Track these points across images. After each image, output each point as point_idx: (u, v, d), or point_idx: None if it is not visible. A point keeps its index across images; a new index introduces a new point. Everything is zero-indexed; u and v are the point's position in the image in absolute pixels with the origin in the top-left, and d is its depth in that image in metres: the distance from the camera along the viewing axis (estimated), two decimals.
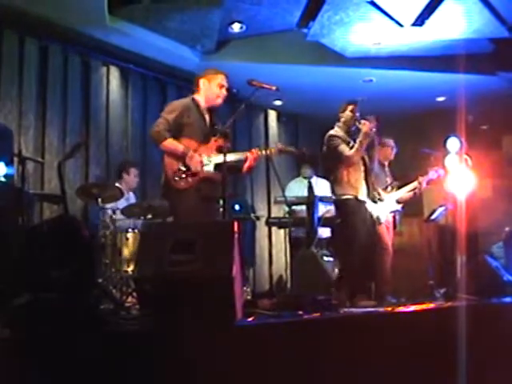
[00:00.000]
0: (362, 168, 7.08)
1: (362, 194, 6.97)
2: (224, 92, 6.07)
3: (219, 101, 6.08)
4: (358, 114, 7.12)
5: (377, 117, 7.28)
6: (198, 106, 6.01)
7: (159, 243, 3.93)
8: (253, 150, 6.00)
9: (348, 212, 6.94)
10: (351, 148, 6.96)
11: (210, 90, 6.04)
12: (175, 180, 5.70)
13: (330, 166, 7.18)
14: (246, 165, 5.94)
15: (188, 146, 5.76)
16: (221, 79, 6.05)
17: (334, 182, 7.08)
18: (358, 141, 6.94)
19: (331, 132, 7.18)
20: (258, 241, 10.71)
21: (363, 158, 7.10)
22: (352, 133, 7.13)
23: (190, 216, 5.60)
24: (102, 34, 8.31)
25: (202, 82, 6.06)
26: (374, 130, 6.99)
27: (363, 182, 7.04)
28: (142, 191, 8.99)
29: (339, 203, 7.06)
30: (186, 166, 5.72)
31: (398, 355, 4.37)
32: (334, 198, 7.13)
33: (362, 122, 6.98)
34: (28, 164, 6.72)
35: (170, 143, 5.75)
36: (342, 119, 7.22)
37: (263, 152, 6.13)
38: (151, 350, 3.09)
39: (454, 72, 9.25)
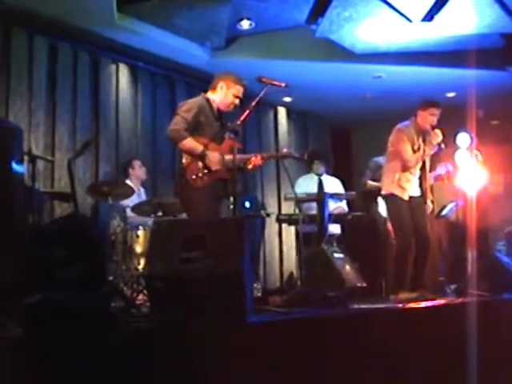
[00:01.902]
0: (419, 173, 6.92)
1: (409, 195, 6.80)
2: (237, 103, 6.06)
3: (229, 109, 6.08)
4: (435, 120, 6.87)
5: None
6: (211, 105, 6.00)
7: (170, 241, 3.94)
8: (257, 156, 6.01)
9: (395, 206, 6.83)
10: (414, 152, 6.79)
11: (225, 96, 6.01)
12: (193, 179, 5.69)
13: (388, 157, 7.03)
14: (249, 167, 5.95)
15: (205, 145, 5.76)
16: (238, 91, 6.02)
17: (385, 175, 6.99)
18: (422, 149, 6.78)
19: (401, 126, 6.94)
20: (269, 238, 10.71)
21: (424, 164, 6.93)
22: (422, 134, 6.89)
23: (205, 214, 5.60)
24: (111, 32, 8.31)
25: (220, 86, 6.02)
26: (443, 145, 6.82)
27: (415, 186, 6.89)
28: (153, 188, 8.99)
29: (386, 198, 6.95)
30: (203, 164, 5.72)
31: (409, 352, 4.37)
32: (382, 192, 7.03)
33: (436, 131, 6.77)
34: (38, 162, 6.76)
35: (190, 142, 5.72)
36: (419, 117, 6.92)
37: (267, 155, 6.22)
38: (162, 348, 3.09)
39: (463, 67, 9.21)
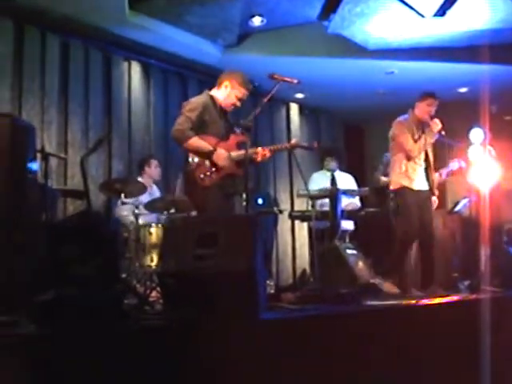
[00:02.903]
0: (423, 163, 7.09)
1: (417, 187, 6.99)
2: (238, 104, 6.07)
3: (229, 109, 6.10)
4: (433, 109, 7.10)
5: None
6: (215, 103, 6.01)
7: (183, 238, 3.94)
8: (265, 148, 6.01)
9: (403, 201, 6.99)
10: (415, 141, 6.99)
11: (228, 96, 6.03)
12: (201, 178, 5.70)
13: (392, 151, 7.21)
14: (258, 159, 5.94)
15: (211, 143, 5.77)
16: (242, 93, 6.04)
17: (392, 170, 7.16)
18: (423, 138, 6.98)
19: (400, 119, 7.18)
20: (281, 234, 10.71)
21: (426, 152, 7.11)
22: (421, 125, 7.11)
23: (216, 212, 5.60)
24: (123, 30, 8.33)
25: (225, 85, 6.03)
26: (443, 132, 7.01)
27: (422, 176, 7.06)
28: (165, 185, 9.00)
29: (395, 192, 7.09)
30: (211, 163, 5.73)
31: (423, 348, 4.36)
32: (391, 188, 7.18)
33: (435, 120, 6.99)
34: (51, 160, 6.77)
35: (195, 141, 5.74)
36: (417, 108, 7.16)
37: (275, 147, 6.22)
38: (174, 345, 3.09)
39: (476, 62, 9.18)
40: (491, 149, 7.77)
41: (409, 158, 6.98)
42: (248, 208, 5.59)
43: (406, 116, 7.18)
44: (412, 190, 6.95)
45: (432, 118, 7.03)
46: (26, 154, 4.54)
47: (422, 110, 7.09)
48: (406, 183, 6.95)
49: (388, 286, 6.62)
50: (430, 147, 7.14)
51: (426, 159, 7.12)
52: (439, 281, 7.00)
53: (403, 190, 6.96)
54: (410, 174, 6.97)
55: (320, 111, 12.17)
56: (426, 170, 7.12)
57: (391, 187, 7.14)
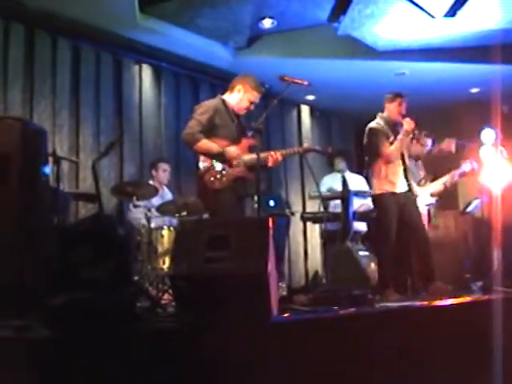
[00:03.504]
0: (401, 163, 7.02)
1: (400, 189, 6.93)
2: (251, 108, 6.09)
3: (242, 113, 6.12)
4: (404, 109, 7.07)
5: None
6: (227, 107, 6.03)
7: (194, 240, 3.94)
8: (277, 152, 6.00)
9: (383, 207, 6.94)
10: (391, 143, 6.93)
11: (241, 100, 6.05)
12: (211, 181, 5.71)
13: (369, 159, 7.14)
14: (269, 164, 5.93)
15: (221, 145, 5.78)
16: (254, 96, 6.05)
17: (372, 176, 7.07)
18: (398, 138, 6.91)
19: (372, 125, 7.10)
20: (293, 236, 10.70)
21: (402, 154, 7.04)
22: (394, 127, 7.06)
23: (228, 215, 5.62)
24: (133, 33, 8.34)
25: (238, 89, 6.06)
26: (416, 131, 6.98)
27: (402, 178, 6.98)
28: (177, 188, 9.02)
29: (375, 197, 7.05)
30: (223, 162, 5.75)
31: (435, 349, 4.35)
32: (371, 192, 7.14)
33: (407, 119, 6.93)
34: (63, 163, 6.79)
35: (205, 144, 5.77)
36: (387, 110, 7.14)
37: (288, 151, 6.22)
38: (187, 348, 3.10)
39: (487, 63, 9.16)
40: (503, 149, 7.77)
41: (387, 162, 6.91)
42: (260, 210, 5.60)
43: (377, 120, 7.11)
44: (394, 193, 6.88)
45: (404, 117, 6.97)
46: (38, 158, 4.56)
47: (394, 110, 7.05)
48: (388, 188, 6.88)
49: (388, 294, 6.58)
50: (405, 148, 7.05)
51: (403, 160, 7.05)
52: (451, 281, 6.97)
53: (384, 195, 6.91)
54: (390, 177, 6.90)
55: (331, 113, 12.16)
56: (405, 171, 7.04)
57: (373, 192, 7.11)
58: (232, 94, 6.09)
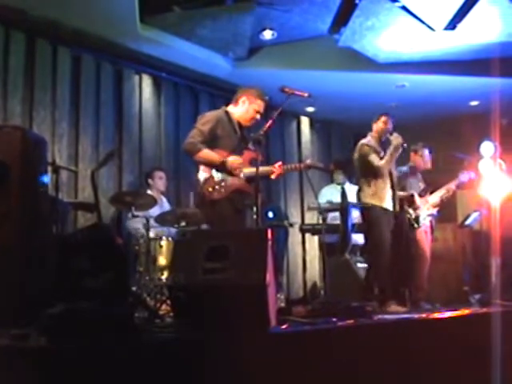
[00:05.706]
0: (389, 180, 7.18)
1: (387, 204, 7.10)
2: (258, 118, 6.09)
3: (249, 124, 6.12)
4: (390, 126, 7.33)
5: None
6: (230, 118, 6.02)
7: (193, 251, 3.94)
8: (280, 165, 6.03)
9: (373, 220, 7.00)
10: (381, 159, 7.12)
11: (246, 111, 6.06)
12: (209, 191, 5.71)
13: (360, 173, 7.31)
14: (272, 177, 5.98)
15: (221, 156, 5.78)
16: (259, 106, 6.06)
17: (361, 190, 7.26)
18: (388, 153, 7.11)
19: (363, 141, 7.32)
20: (292, 247, 10.70)
21: (390, 173, 7.23)
22: (383, 144, 7.29)
23: (225, 226, 5.61)
24: (133, 43, 8.35)
25: (242, 101, 6.06)
26: (404, 144, 7.12)
27: (389, 193, 7.15)
28: (176, 199, 9.02)
29: (365, 211, 7.13)
30: (222, 175, 5.75)
31: (433, 362, 4.35)
32: (359, 205, 7.23)
33: (394, 135, 7.15)
34: (62, 173, 6.78)
35: (206, 154, 5.76)
36: (375, 129, 7.38)
37: (290, 167, 6.24)
38: (185, 358, 3.09)
39: (487, 76, 9.17)
40: (502, 162, 7.77)
41: (377, 177, 7.11)
42: (259, 221, 5.59)
43: (368, 138, 7.36)
44: (382, 207, 7.07)
45: (391, 133, 7.22)
46: (37, 167, 4.56)
47: (381, 128, 7.34)
48: (377, 202, 7.07)
49: (394, 308, 6.60)
50: (393, 166, 7.28)
51: (391, 178, 7.24)
52: (450, 294, 6.98)
53: (373, 208, 7.08)
54: (379, 193, 7.10)
55: (331, 124, 12.16)
56: (392, 188, 7.24)
57: (361, 205, 7.28)
58: (237, 106, 6.09)
